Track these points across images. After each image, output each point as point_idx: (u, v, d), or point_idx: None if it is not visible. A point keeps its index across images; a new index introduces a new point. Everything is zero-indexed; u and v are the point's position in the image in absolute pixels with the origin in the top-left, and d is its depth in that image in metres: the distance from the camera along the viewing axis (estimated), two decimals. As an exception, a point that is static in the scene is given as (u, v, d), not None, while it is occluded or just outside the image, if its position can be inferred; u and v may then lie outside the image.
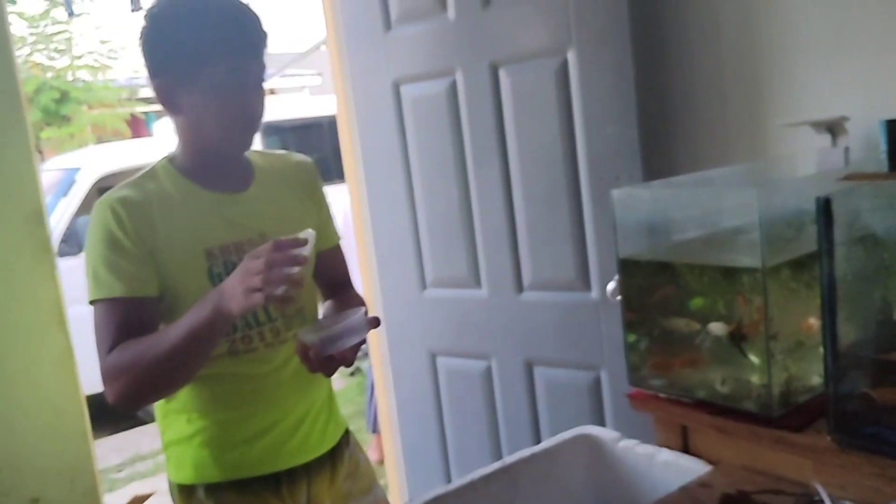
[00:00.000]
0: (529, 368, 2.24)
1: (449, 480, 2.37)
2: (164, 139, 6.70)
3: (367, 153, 2.47)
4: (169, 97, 1.34)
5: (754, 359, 1.30)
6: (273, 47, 1.42)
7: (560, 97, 2.01)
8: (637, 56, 1.89)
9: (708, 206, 1.47)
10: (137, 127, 10.05)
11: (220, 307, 1.20)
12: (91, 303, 1.32)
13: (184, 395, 1.40)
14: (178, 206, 1.36)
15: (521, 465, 1.47)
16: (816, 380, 1.33)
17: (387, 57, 2.31)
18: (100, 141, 8.70)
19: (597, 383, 2.10)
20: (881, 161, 1.43)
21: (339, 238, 1.62)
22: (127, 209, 1.31)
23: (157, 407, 1.46)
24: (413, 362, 2.48)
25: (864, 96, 1.67)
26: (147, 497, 3.81)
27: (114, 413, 5.51)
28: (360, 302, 1.52)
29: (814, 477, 1.20)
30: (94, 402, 4.99)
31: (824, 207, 1.15)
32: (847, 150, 1.62)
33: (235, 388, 1.41)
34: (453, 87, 2.20)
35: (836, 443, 1.19)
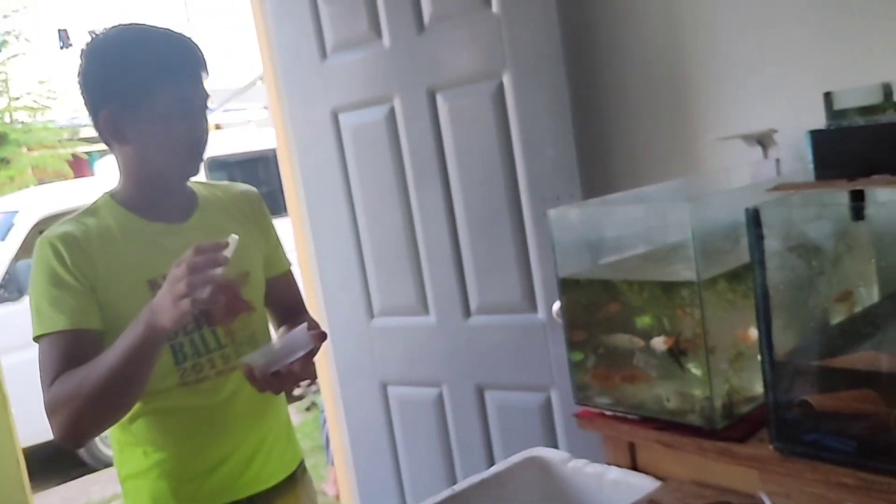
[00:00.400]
0: (480, 393, 2.23)
1: (404, 511, 2.33)
2: (106, 178, 6.58)
3: (308, 183, 2.44)
4: (113, 128, 1.35)
5: (695, 372, 1.30)
6: (214, 82, 1.44)
7: (497, 120, 2.02)
8: (571, 77, 1.91)
9: (644, 221, 1.48)
10: (80, 167, 9.86)
11: (152, 323, 1.20)
12: (35, 339, 1.32)
13: (138, 429, 1.40)
14: (119, 238, 1.36)
15: (471, 492, 1.45)
16: (758, 390, 1.34)
17: (324, 86, 2.30)
18: (41, 183, 8.50)
19: (547, 404, 2.09)
20: (810, 171, 1.46)
21: (289, 264, 1.63)
22: (67, 245, 1.32)
23: (114, 441, 1.45)
24: (364, 393, 2.44)
25: (791, 109, 1.71)
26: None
27: (61, 462, 5.34)
28: (315, 325, 1.47)
29: (759, 486, 1.20)
30: (40, 452, 4.83)
31: (754, 217, 1.16)
32: (778, 161, 1.65)
33: (189, 420, 1.41)
34: (392, 114, 2.20)
35: (779, 451, 1.19)
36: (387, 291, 2.33)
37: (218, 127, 9.61)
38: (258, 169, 6.96)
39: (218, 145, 6.42)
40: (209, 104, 1.41)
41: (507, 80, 1.98)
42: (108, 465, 5.46)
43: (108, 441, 5.80)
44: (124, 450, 1.45)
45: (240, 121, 10.08)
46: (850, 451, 1.13)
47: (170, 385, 1.38)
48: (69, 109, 9.40)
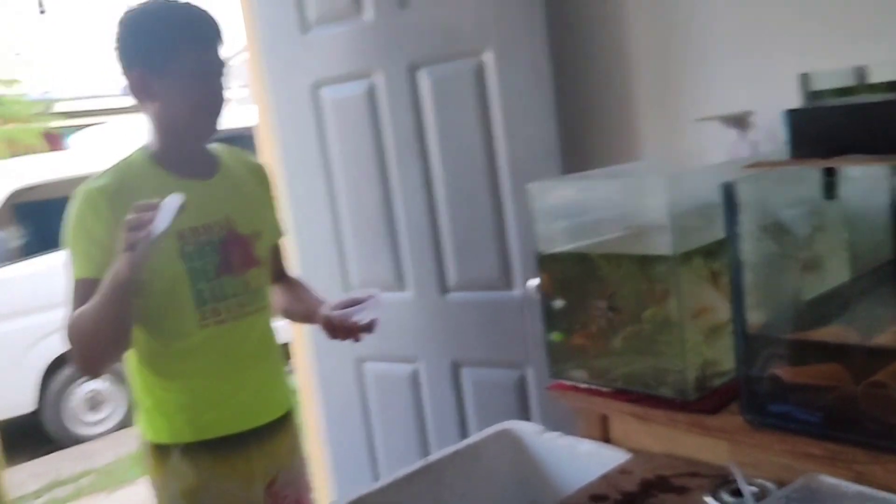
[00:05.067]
0: (456, 369, 2.24)
1: (378, 486, 2.34)
2: (80, 153, 6.48)
3: (288, 158, 2.43)
4: (144, 86, 1.52)
5: (669, 344, 1.32)
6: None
7: (479, 97, 2.02)
8: (554, 55, 1.92)
9: (621, 197, 1.49)
10: (53, 142, 9.70)
11: (115, 270, 1.36)
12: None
13: (161, 366, 1.57)
14: (152, 192, 1.43)
15: (445, 463, 1.46)
16: (731, 363, 1.36)
17: (305, 59, 2.29)
18: (14, 156, 8.36)
19: (522, 381, 2.11)
20: (785, 152, 1.48)
21: (284, 233, 1.84)
22: (105, 198, 1.48)
23: (137, 373, 1.60)
24: (340, 368, 2.45)
25: (768, 91, 1.72)
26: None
27: (31, 439, 5.29)
28: (304, 286, 1.85)
29: (729, 458, 1.23)
30: (11, 427, 4.79)
31: (729, 192, 1.18)
32: (755, 143, 1.67)
33: (207, 358, 1.57)
34: (372, 89, 2.19)
35: (748, 423, 1.21)
36: (364, 266, 2.33)
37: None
38: (238, 147, 6.89)
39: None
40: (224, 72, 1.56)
41: (489, 57, 1.99)
42: (77, 441, 5.43)
43: (77, 419, 5.78)
44: (145, 381, 1.59)
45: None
46: (817, 422, 1.15)
47: (191, 325, 1.54)
48: (41, 84, 9.25)
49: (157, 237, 1.30)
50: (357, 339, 1.67)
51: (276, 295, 1.77)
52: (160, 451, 1.59)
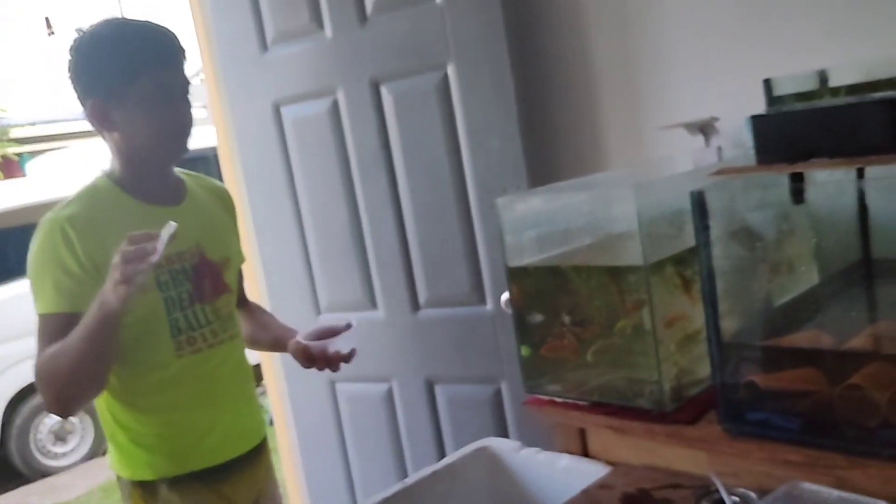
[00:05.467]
0: (430, 387, 2.21)
1: (355, 509, 2.31)
2: (38, 179, 6.36)
3: (251, 179, 2.40)
4: (101, 116, 1.45)
5: (644, 355, 1.31)
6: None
7: (443, 111, 2.01)
8: (516, 68, 1.91)
9: (590, 209, 1.48)
10: (10, 168, 9.53)
11: (102, 304, 1.30)
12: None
13: (135, 399, 1.51)
14: (121, 221, 1.43)
15: (423, 485, 1.44)
16: (706, 371, 1.35)
17: (266, 79, 2.26)
18: (-30, 185, 8.17)
19: (498, 395, 2.09)
20: (750, 157, 1.48)
21: (244, 259, 1.79)
22: (74, 227, 1.41)
23: (107, 409, 1.53)
24: (312, 390, 2.41)
25: (731, 97, 1.73)
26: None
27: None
28: (267, 312, 1.89)
29: (709, 468, 1.21)
30: (-26, 463, 4.64)
31: (699, 200, 1.17)
32: (720, 149, 1.68)
33: (183, 389, 1.53)
34: (335, 106, 2.17)
35: (727, 432, 1.20)
36: (334, 287, 2.30)
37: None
38: (198, 168, 6.82)
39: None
40: (190, 91, 1.49)
41: (451, 71, 1.97)
42: (44, 475, 5.29)
43: (44, 451, 5.64)
44: (120, 417, 1.53)
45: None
46: (795, 428, 1.15)
47: (167, 356, 1.49)
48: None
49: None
50: (335, 370, 1.64)
51: (240, 323, 1.73)
52: (145, 489, 1.53)
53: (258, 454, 1.66)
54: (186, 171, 1.66)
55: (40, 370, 1.38)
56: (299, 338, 1.64)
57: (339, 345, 1.61)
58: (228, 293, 1.60)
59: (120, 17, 1.51)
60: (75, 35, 1.46)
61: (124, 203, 1.49)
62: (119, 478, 1.58)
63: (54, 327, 1.39)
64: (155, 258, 1.24)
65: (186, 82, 1.49)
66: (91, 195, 1.49)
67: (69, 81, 1.46)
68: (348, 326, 1.63)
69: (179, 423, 1.54)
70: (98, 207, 1.47)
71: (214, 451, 1.57)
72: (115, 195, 1.49)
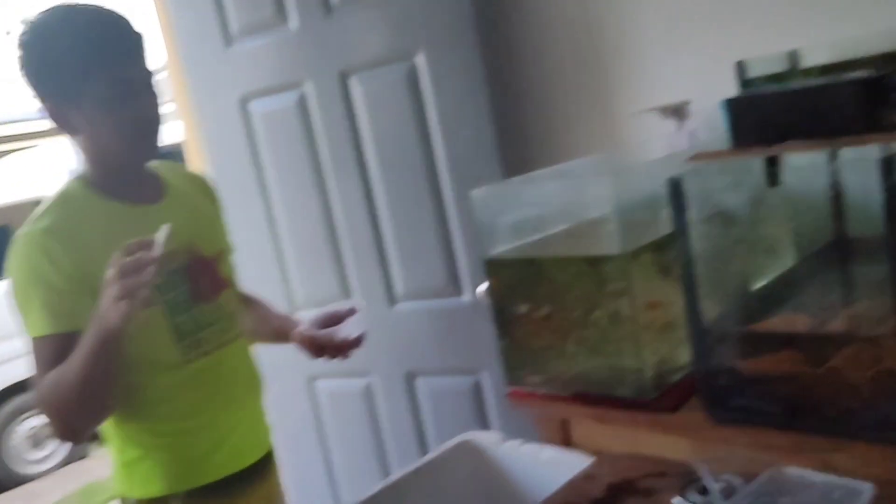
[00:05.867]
0: (410, 380, 2.20)
1: (339, 506, 2.29)
2: (6, 180, 6.22)
3: (220, 175, 2.34)
4: (59, 119, 1.33)
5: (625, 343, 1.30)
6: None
7: (413, 102, 1.98)
8: (486, 56, 1.89)
9: (566, 197, 1.47)
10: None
11: (101, 323, 1.19)
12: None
13: (145, 410, 1.40)
14: (103, 225, 1.33)
15: (407, 481, 1.42)
16: (686, 357, 1.35)
17: (231, 73, 2.21)
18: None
19: (478, 386, 2.08)
20: (724, 141, 1.47)
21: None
22: (54, 240, 1.28)
23: (114, 425, 1.41)
24: (291, 388, 2.38)
25: (703, 80, 1.72)
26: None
27: (-30, 482, 5.07)
28: (264, 303, 1.74)
29: (693, 455, 1.21)
30: (-54, 472, 4.55)
31: (676, 187, 1.16)
32: (693, 133, 1.67)
33: (197, 392, 1.42)
34: (303, 100, 2.13)
35: (710, 418, 1.20)
36: (309, 283, 2.27)
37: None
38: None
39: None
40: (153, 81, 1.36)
41: (420, 60, 1.95)
42: (22, 482, 5.22)
43: (20, 456, 5.56)
44: (128, 433, 1.42)
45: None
46: (778, 413, 1.15)
47: (175, 363, 1.38)
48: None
49: None
50: (345, 357, 1.56)
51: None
52: None
53: (269, 462, 1.57)
54: (159, 162, 1.53)
55: (44, 399, 1.27)
56: (303, 328, 1.57)
57: (347, 331, 1.52)
58: (228, 288, 1.50)
59: (67, 2, 1.32)
60: (21, 27, 1.31)
61: (102, 206, 1.37)
62: (128, 498, 1.45)
63: (50, 351, 1.27)
64: (154, 268, 1.15)
65: (148, 74, 1.34)
66: (65, 202, 1.36)
67: (22, 78, 1.32)
68: (352, 311, 1.55)
69: (198, 430, 1.43)
70: (76, 214, 1.34)
71: (233, 458, 1.46)
72: (91, 199, 1.37)
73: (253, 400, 1.54)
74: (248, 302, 1.72)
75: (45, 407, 1.28)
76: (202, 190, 1.60)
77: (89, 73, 1.27)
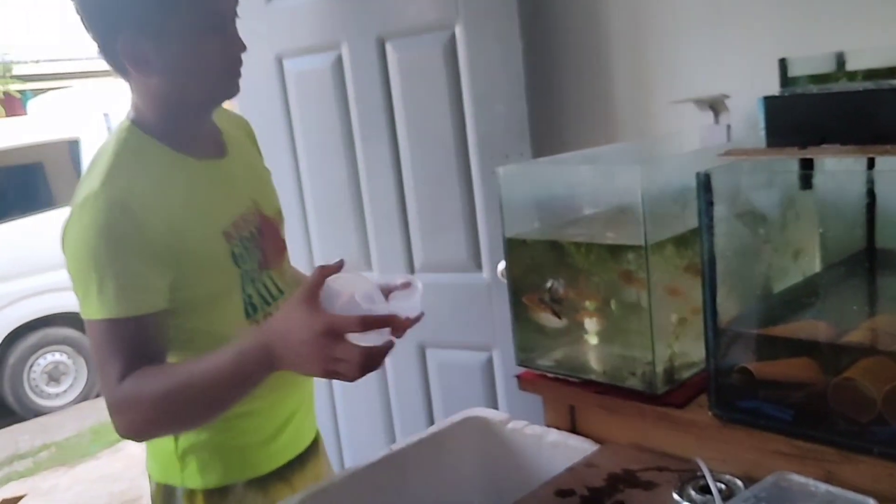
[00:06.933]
0: (422, 351, 2.20)
1: (342, 468, 2.31)
2: (39, 118, 6.29)
3: (251, 131, 2.35)
4: (134, 57, 1.16)
5: (638, 335, 1.29)
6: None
7: (448, 73, 1.96)
8: (525, 32, 1.86)
9: (593, 183, 1.45)
10: (12, 106, 9.43)
11: (270, 362, 1.06)
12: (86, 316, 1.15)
13: None
14: (178, 183, 1.20)
15: (409, 452, 1.43)
16: (700, 356, 1.33)
17: (268, 29, 2.20)
18: (-30, 120, 8.10)
19: (489, 364, 2.08)
20: (761, 138, 1.44)
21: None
22: (140, 204, 1.13)
23: None
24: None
25: (744, 75, 1.69)
26: (18, 500, 3.58)
27: (-14, 410, 5.18)
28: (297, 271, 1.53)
29: (696, 452, 1.20)
30: (-35, 399, 4.66)
31: (705, 182, 1.14)
32: (729, 127, 1.64)
33: None
34: (339, 62, 2.12)
35: (717, 418, 1.19)
36: (329, 246, 2.28)
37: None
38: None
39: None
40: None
41: (459, 31, 1.92)
42: (37, 414, 5.33)
43: (37, 390, 5.67)
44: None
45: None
46: (786, 419, 1.13)
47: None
48: (0, 45, 8.96)
49: None
50: (400, 336, 1.20)
51: None
52: (216, 497, 1.30)
53: (319, 440, 1.52)
54: None
55: (128, 398, 1.10)
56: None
57: (404, 308, 1.20)
58: (286, 250, 1.39)
59: None
60: None
61: (170, 161, 1.22)
62: (187, 492, 1.31)
63: (122, 336, 1.12)
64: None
65: (234, 6, 1.23)
66: (129, 156, 1.19)
67: (85, 17, 1.17)
68: (407, 285, 1.27)
69: (258, 413, 1.30)
70: (145, 171, 1.18)
71: (294, 441, 1.39)
72: (156, 151, 1.22)
73: (309, 380, 1.43)
74: (294, 271, 1.56)
75: (131, 408, 1.11)
76: (249, 136, 1.47)
77: (180, 2, 1.15)
